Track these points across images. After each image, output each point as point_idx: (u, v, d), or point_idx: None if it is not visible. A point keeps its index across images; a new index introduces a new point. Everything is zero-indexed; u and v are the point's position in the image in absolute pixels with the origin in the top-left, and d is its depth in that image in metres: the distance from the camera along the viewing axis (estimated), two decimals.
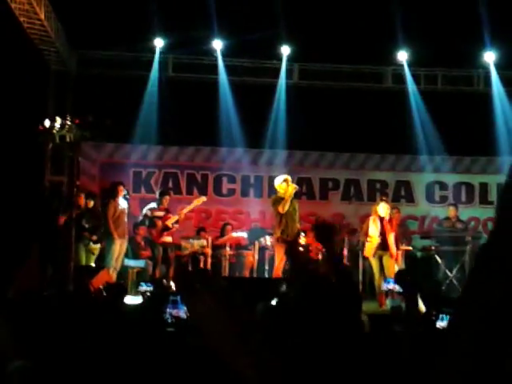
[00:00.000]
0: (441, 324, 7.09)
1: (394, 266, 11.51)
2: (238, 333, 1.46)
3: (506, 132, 15.43)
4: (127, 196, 12.67)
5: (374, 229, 11.58)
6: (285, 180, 11.43)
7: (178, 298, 5.99)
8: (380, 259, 11.57)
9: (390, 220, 11.76)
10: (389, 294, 10.56)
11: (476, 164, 15.94)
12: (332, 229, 10.72)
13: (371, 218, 11.74)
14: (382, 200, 12.17)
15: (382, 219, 11.65)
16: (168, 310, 6.04)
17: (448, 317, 7.05)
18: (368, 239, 11.68)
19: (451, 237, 13.84)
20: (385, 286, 10.90)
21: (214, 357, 1.51)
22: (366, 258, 12.27)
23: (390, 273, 11.23)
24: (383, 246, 11.52)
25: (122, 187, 12.51)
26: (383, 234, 11.53)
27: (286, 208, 11.14)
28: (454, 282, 13.44)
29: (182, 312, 5.97)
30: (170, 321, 5.99)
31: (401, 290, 9.38)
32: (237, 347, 1.44)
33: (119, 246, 12.14)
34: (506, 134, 15.42)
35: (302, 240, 11.81)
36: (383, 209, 11.70)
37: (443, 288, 12.85)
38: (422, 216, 15.53)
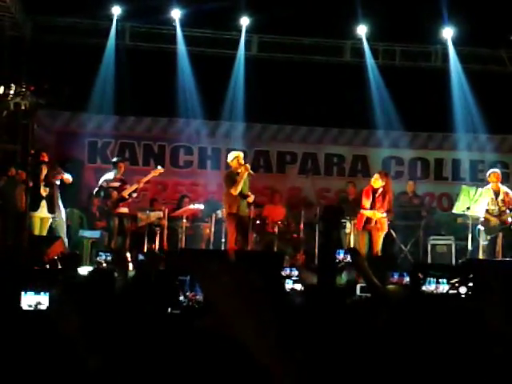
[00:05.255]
0: (428, 287, 7.19)
1: (378, 239, 11.46)
2: (255, 315, 1.40)
3: (462, 109, 15.54)
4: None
5: (365, 201, 11.50)
6: (236, 157, 11.49)
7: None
8: (369, 235, 11.49)
9: (383, 193, 11.59)
10: (345, 267, 10.60)
11: (432, 140, 16.06)
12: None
13: (364, 191, 11.67)
14: (378, 173, 12.00)
15: (374, 192, 11.55)
16: (185, 292, 5.88)
17: (435, 280, 7.16)
18: (361, 211, 11.57)
19: (407, 211, 13.96)
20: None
21: (222, 340, 1.46)
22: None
23: (374, 246, 11.23)
24: (371, 220, 11.46)
25: (43, 154, 12.21)
26: (373, 207, 11.44)
27: (239, 190, 11.18)
28: (409, 256, 13.60)
29: (199, 295, 5.80)
30: (185, 304, 5.82)
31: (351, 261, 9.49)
32: (254, 330, 1.39)
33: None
34: (462, 111, 15.53)
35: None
36: (375, 180, 11.58)
37: (398, 262, 12.99)
38: None
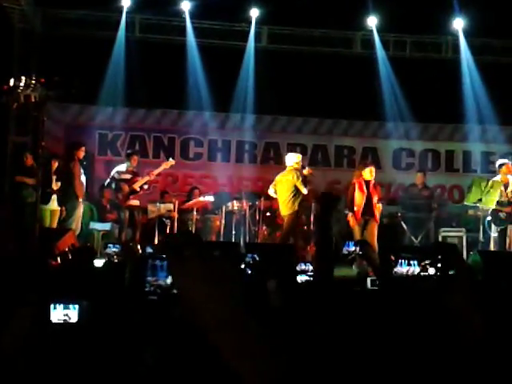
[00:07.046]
0: (400, 269, 7.36)
1: (375, 230, 11.41)
2: (227, 308, 1.38)
3: (473, 99, 15.46)
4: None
5: (360, 194, 11.42)
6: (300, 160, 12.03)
7: (158, 264, 5.75)
8: (365, 224, 11.44)
9: (375, 185, 11.59)
10: (355, 259, 10.57)
11: (443, 131, 16.00)
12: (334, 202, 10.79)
13: (356, 185, 11.54)
14: (366, 165, 11.91)
15: (368, 183, 11.50)
16: (147, 277, 5.82)
17: (406, 262, 7.35)
18: (355, 207, 11.48)
19: (417, 204, 13.92)
20: (345, 249, 10.87)
21: (199, 331, 1.43)
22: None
23: (371, 238, 11.18)
24: (369, 210, 11.44)
25: (83, 148, 12.31)
26: (369, 198, 11.39)
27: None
28: None
29: (162, 280, 5.76)
30: (148, 289, 5.77)
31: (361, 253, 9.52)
32: (224, 324, 1.36)
33: (81, 208, 12.03)
34: (474, 102, 15.46)
35: None
36: (370, 173, 11.53)
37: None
38: (389, 182, 15.57)
